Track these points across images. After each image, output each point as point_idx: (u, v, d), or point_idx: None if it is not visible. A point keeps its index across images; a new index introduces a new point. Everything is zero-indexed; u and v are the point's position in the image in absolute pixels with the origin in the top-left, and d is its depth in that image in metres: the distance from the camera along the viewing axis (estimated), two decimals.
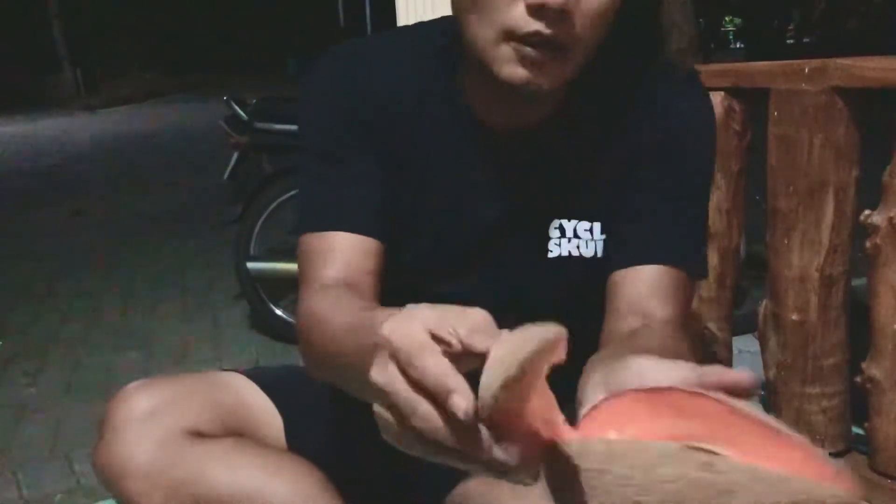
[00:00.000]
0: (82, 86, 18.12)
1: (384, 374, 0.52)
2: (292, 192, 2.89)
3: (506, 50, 0.78)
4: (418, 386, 0.50)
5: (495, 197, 0.93)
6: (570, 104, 0.91)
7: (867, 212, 1.49)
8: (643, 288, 0.88)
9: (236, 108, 3.12)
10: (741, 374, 0.49)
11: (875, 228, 1.46)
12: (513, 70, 0.79)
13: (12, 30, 18.29)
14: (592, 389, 0.55)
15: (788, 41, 15.50)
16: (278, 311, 3.06)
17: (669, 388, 0.48)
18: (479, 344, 0.49)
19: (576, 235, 0.94)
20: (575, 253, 0.94)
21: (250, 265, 2.98)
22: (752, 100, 1.68)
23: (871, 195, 1.51)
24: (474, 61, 0.83)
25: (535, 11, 0.76)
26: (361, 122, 0.92)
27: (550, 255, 0.94)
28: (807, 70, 1.49)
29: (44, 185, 7.63)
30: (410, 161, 0.93)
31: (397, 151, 0.93)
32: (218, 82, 15.21)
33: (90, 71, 18.50)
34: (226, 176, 3.26)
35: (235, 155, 3.22)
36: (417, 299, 0.90)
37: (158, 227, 5.43)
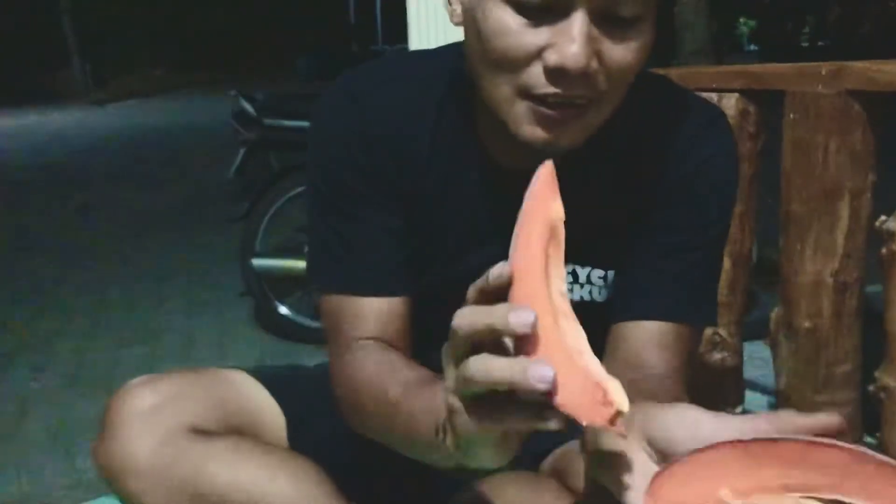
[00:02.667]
0: (91, 80, 18.19)
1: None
2: (299, 190, 2.88)
3: (523, 108, 0.74)
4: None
5: (505, 237, 0.91)
6: (587, 147, 0.84)
7: (883, 217, 1.46)
8: (647, 343, 0.86)
9: (245, 103, 3.12)
10: (830, 417, 0.46)
11: (890, 234, 1.44)
12: (531, 130, 0.75)
13: (22, 24, 18.37)
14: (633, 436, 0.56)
15: (803, 44, 15.45)
16: (283, 308, 3.05)
17: (773, 439, 0.45)
18: None
19: (589, 282, 0.91)
20: (587, 298, 0.92)
21: (256, 262, 2.97)
22: (767, 102, 1.66)
23: (886, 201, 1.48)
24: (489, 111, 0.79)
25: (554, 75, 0.71)
26: (375, 167, 0.88)
27: None
28: (823, 72, 1.47)
29: (51, 179, 7.66)
30: (422, 200, 0.90)
31: (409, 191, 0.89)
32: (227, 78, 15.23)
33: (99, 66, 18.59)
34: (233, 172, 3.25)
35: (243, 151, 3.22)
36: (429, 340, 0.91)
37: (165, 222, 5.44)
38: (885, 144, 1.49)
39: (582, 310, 0.90)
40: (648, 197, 0.88)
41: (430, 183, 0.89)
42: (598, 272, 0.91)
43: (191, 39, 19.58)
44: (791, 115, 1.52)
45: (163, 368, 2.77)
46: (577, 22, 0.69)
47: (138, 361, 2.92)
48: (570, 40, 0.69)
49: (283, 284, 3.07)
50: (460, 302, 0.91)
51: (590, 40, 0.69)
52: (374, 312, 0.89)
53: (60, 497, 2.00)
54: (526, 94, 0.73)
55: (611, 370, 0.83)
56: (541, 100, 0.73)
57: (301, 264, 2.99)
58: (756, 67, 1.68)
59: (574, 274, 0.91)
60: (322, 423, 1.05)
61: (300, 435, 1.03)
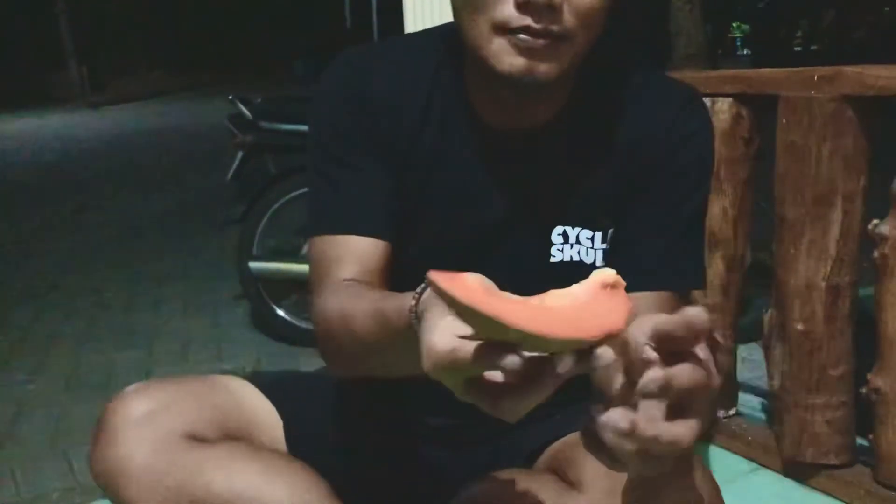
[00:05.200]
0: (88, 83, 18.16)
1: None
2: (296, 193, 2.88)
3: (500, 42, 0.81)
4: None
5: (497, 198, 0.95)
6: (573, 109, 0.93)
7: (875, 221, 1.47)
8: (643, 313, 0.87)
9: (241, 107, 3.12)
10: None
11: (883, 238, 1.45)
12: (510, 61, 0.81)
13: (19, 26, 18.34)
14: None
15: (796, 49, 15.48)
16: (280, 312, 3.05)
17: None
18: None
19: (578, 242, 0.96)
20: (576, 258, 0.96)
21: (252, 265, 2.97)
22: (761, 107, 1.67)
23: (878, 204, 1.49)
24: (474, 59, 0.85)
25: (522, 6, 0.78)
26: (370, 125, 0.94)
27: (553, 259, 0.96)
28: (816, 78, 1.48)
29: (48, 182, 7.64)
30: (416, 161, 0.95)
31: (404, 152, 0.95)
32: (224, 81, 15.24)
33: (96, 68, 18.55)
34: (230, 175, 3.25)
35: (240, 154, 3.21)
36: None
37: (162, 225, 5.43)
38: (877, 149, 1.50)
39: (571, 270, 0.93)
40: (635, 165, 0.93)
41: (424, 144, 0.95)
42: (587, 233, 0.95)
43: (187, 42, 19.57)
44: (784, 120, 1.53)
45: (159, 371, 2.79)
46: None
47: (135, 364, 2.91)
48: None
49: (280, 287, 3.07)
50: (455, 259, 0.93)
51: None
52: (356, 252, 0.92)
53: (56, 500, 2.00)
54: (501, 29, 0.80)
55: None
56: (513, 32, 0.80)
57: (298, 267, 3.01)
58: (750, 72, 1.70)
59: (565, 235, 0.95)
60: (319, 427, 1.06)
61: (298, 439, 1.03)
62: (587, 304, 0.55)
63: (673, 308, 0.89)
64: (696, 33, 7.01)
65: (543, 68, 0.81)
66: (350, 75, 0.96)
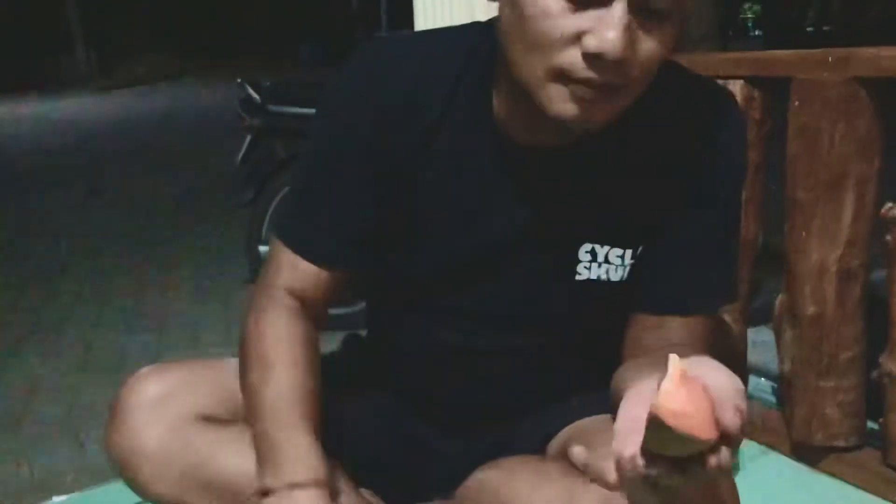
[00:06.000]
0: (96, 67, 18.16)
1: None
2: None
3: (557, 88, 0.76)
4: None
5: (515, 211, 0.91)
6: (606, 129, 0.85)
7: (889, 205, 1.46)
8: (674, 336, 0.90)
9: (250, 90, 3.12)
10: None
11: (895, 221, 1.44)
12: (563, 108, 0.77)
13: (26, 10, 18.32)
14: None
15: (808, 29, 15.33)
16: None
17: None
18: None
19: (607, 261, 0.93)
20: (604, 277, 0.93)
21: (262, 249, 2.98)
22: (773, 89, 1.65)
23: (892, 187, 1.48)
24: (515, 86, 0.81)
25: (592, 59, 0.73)
26: (378, 133, 0.90)
27: (579, 277, 0.93)
28: (830, 59, 1.46)
29: (57, 166, 7.66)
30: (429, 164, 0.91)
31: (414, 155, 0.91)
32: (231, 65, 15.18)
33: (104, 52, 18.54)
34: (239, 159, 3.25)
35: (248, 138, 3.21)
36: (430, 308, 0.92)
37: (172, 209, 5.45)
38: (891, 131, 1.49)
39: (599, 288, 0.93)
40: (665, 179, 0.90)
41: (439, 149, 0.90)
42: (617, 251, 0.92)
43: (195, 26, 19.52)
44: (796, 102, 1.52)
45: (170, 355, 2.80)
46: (618, 11, 0.72)
47: (146, 348, 2.93)
48: (610, 28, 0.72)
49: None
50: (469, 270, 0.94)
51: (628, 30, 0.72)
52: (310, 276, 0.95)
53: (70, 482, 2.02)
54: (560, 75, 0.75)
55: (644, 358, 0.86)
56: (574, 81, 0.75)
57: None
58: (761, 54, 1.68)
59: (593, 252, 0.92)
60: (329, 409, 1.06)
61: None
62: (694, 404, 0.60)
63: (704, 325, 0.93)
64: (707, 14, 6.95)
65: (598, 116, 0.78)
66: (366, 71, 0.91)
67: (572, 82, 0.75)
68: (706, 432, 0.59)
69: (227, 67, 14.47)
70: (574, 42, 0.74)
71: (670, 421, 0.58)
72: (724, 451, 0.62)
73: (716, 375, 0.64)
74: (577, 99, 0.76)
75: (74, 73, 17.68)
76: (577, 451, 0.84)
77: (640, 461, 0.63)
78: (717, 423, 0.61)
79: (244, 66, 13.37)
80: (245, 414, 0.93)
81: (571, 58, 0.74)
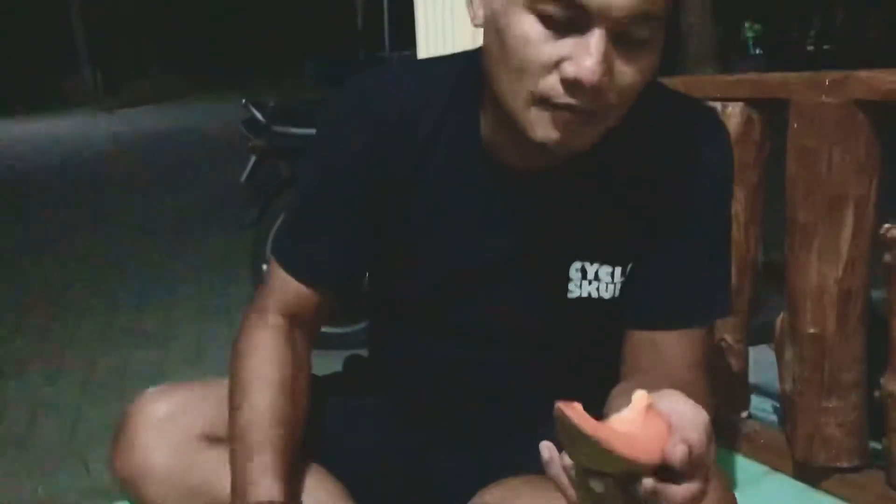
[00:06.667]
0: (102, 86, 18.27)
1: None
2: None
3: (538, 113, 0.78)
4: None
5: (506, 230, 0.93)
6: (593, 149, 0.88)
7: (887, 225, 1.47)
8: (667, 352, 0.92)
9: (255, 111, 3.14)
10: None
11: (895, 241, 1.45)
12: (544, 132, 0.79)
13: (33, 30, 18.46)
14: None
15: (808, 48, 15.39)
16: None
17: None
18: None
19: (597, 278, 0.94)
20: (595, 295, 0.95)
21: (265, 267, 2.98)
22: (772, 110, 1.67)
23: (891, 208, 1.49)
24: (501, 110, 0.83)
25: (570, 86, 0.75)
26: (371, 160, 0.93)
27: (570, 295, 0.95)
28: (827, 82, 1.48)
29: (62, 185, 7.70)
30: (421, 188, 0.93)
31: (408, 179, 0.93)
32: (236, 84, 15.27)
33: (110, 72, 18.66)
34: (243, 179, 3.27)
35: (253, 158, 3.23)
36: (429, 326, 0.94)
37: (175, 228, 5.46)
38: (889, 152, 1.50)
39: (591, 305, 0.94)
40: (655, 195, 0.91)
41: (428, 171, 0.93)
42: (607, 268, 0.94)
43: (199, 45, 19.65)
44: (795, 124, 1.53)
45: (174, 374, 2.81)
46: (596, 39, 0.73)
47: (149, 367, 2.94)
48: (587, 55, 0.73)
49: None
50: (463, 293, 0.95)
51: (605, 58, 0.73)
52: (302, 295, 0.98)
53: (74, 502, 2.02)
54: (541, 101, 0.77)
55: (636, 378, 0.87)
56: (554, 107, 0.77)
57: None
58: (760, 76, 1.69)
59: (583, 270, 0.94)
60: (333, 429, 1.07)
61: (312, 442, 1.04)
62: (646, 430, 0.63)
63: (699, 341, 0.94)
64: (707, 33, 6.99)
65: (579, 141, 0.80)
66: (360, 104, 0.94)
67: (552, 108, 0.77)
68: (643, 456, 0.61)
69: (231, 86, 14.56)
70: (554, 68, 0.75)
71: (601, 437, 0.60)
72: (655, 479, 0.62)
73: (680, 408, 0.64)
74: (557, 124, 0.78)
75: (80, 93, 17.80)
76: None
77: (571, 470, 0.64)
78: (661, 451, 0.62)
79: (249, 86, 13.45)
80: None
81: (551, 84, 0.76)
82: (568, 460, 0.63)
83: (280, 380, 0.94)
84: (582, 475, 0.63)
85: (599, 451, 0.60)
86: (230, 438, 0.93)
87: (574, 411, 0.61)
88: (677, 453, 0.60)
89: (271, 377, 0.94)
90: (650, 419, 0.63)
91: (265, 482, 0.88)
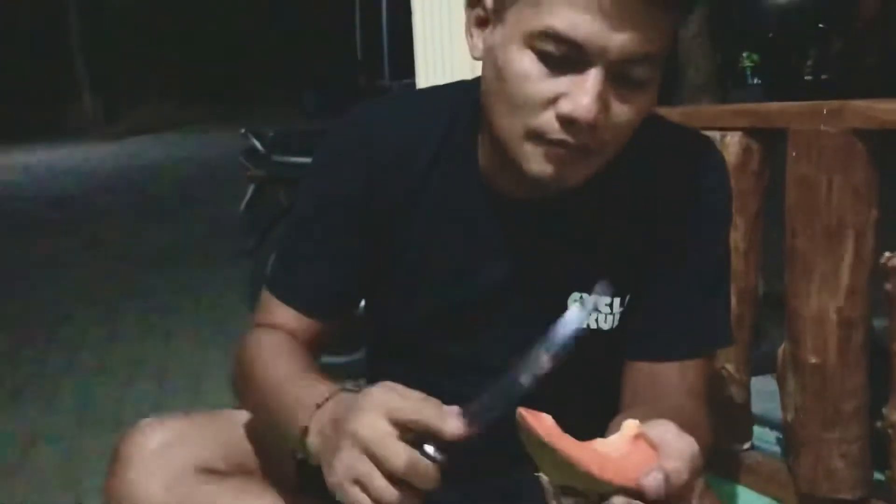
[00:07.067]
0: (102, 115, 18.38)
1: (355, 468, 0.69)
2: None
3: (532, 148, 0.79)
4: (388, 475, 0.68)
5: (504, 260, 0.93)
6: (591, 182, 0.88)
7: (887, 254, 1.47)
8: (667, 383, 0.91)
9: (254, 140, 3.15)
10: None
11: (895, 270, 1.45)
12: (539, 167, 0.80)
13: (34, 59, 18.62)
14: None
15: (806, 78, 15.52)
16: None
17: None
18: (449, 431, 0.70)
19: (596, 309, 0.94)
20: (593, 326, 0.94)
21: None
22: (771, 140, 1.68)
23: (890, 237, 1.49)
24: (497, 142, 0.83)
25: (565, 122, 0.76)
26: (368, 191, 0.93)
27: None
28: (825, 111, 1.48)
29: (61, 214, 7.71)
30: (418, 218, 0.94)
31: (405, 208, 0.93)
32: (236, 113, 15.38)
33: (111, 100, 18.79)
34: (242, 207, 3.28)
35: (252, 187, 3.24)
36: (427, 358, 0.93)
37: (174, 257, 5.46)
38: (888, 180, 1.50)
39: (590, 337, 0.93)
40: (651, 226, 0.92)
41: (426, 202, 0.93)
42: (605, 299, 0.93)
43: (200, 74, 19.81)
44: (794, 153, 1.54)
45: (171, 404, 2.79)
46: (592, 78, 0.74)
47: (146, 397, 2.92)
48: (584, 93, 0.74)
49: None
50: (462, 320, 0.94)
51: (601, 96, 0.74)
52: (293, 323, 0.98)
53: None
54: (536, 136, 0.78)
55: (635, 410, 0.87)
56: (549, 142, 0.77)
57: None
58: (759, 106, 1.70)
59: (582, 301, 0.93)
60: None
61: (308, 474, 1.03)
62: (629, 455, 0.63)
63: (699, 371, 0.93)
64: (706, 63, 7.05)
65: (573, 176, 0.81)
66: (357, 136, 0.95)
67: (547, 143, 0.78)
68: (615, 478, 0.61)
69: (231, 116, 14.65)
70: (550, 105, 0.76)
71: (557, 445, 0.60)
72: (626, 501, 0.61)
73: (668, 438, 0.64)
74: (551, 159, 0.79)
75: (81, 121, 17.90)
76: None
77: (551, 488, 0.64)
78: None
79: (249, 114, 13.53)
80: (253, 413, 0.96)
81: (547, 119, 0.77)
82: (545, 477, 0.63)
83: (301, 351, 0.93)
84: (559, 494, 0.63)
85: (565, 465, 0.60)
86: (264, 397, 0.89)
87: (537, 419, 0.61)
88: (650, 481, 0.60)
89: (291, 348, 0.93)
90: (637, 446, 0.64)
91: (320, 387, 0.81)
